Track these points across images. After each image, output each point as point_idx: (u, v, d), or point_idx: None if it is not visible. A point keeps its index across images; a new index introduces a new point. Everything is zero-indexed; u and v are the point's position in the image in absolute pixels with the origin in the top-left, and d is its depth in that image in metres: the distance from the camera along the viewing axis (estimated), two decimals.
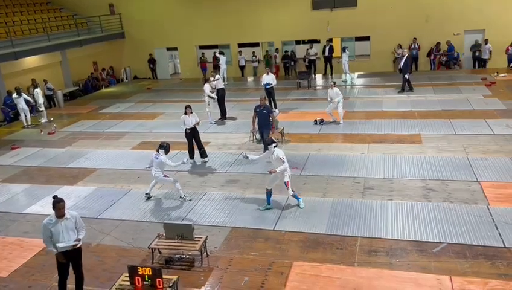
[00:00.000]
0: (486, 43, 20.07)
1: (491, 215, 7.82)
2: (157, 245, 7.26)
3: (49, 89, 20.19)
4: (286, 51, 23.20)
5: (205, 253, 7.24)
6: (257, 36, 23.75)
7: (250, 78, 23.62)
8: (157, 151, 9.19)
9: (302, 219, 8.26)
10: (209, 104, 14.90)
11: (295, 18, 22.32)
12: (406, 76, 16.72)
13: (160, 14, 24.34)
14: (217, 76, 15.36)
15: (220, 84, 15.31)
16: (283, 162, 8.27)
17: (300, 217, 8.34)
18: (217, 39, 24.28)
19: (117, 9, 25.39)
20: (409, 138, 12.11)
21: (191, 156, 11.52)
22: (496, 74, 18.62)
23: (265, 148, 8.51)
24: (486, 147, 10.98)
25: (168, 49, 26.13)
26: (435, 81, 18.15)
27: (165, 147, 9.21)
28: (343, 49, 20.27)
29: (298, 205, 8.67)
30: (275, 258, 7.13)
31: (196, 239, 7.17)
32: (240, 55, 23.63)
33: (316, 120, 13.99)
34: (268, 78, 15.51)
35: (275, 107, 15.92)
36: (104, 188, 10.47)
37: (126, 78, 26.05)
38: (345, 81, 19.65)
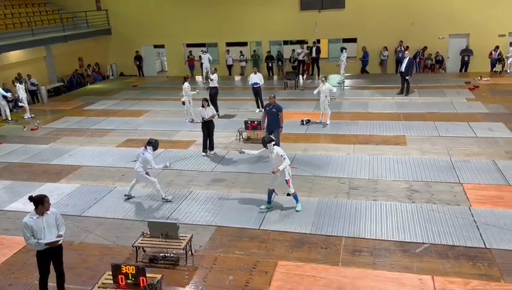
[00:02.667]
0: None
1: (473, 217, 7.95)
2: (142, 243, 7.19)
3: (32, 84, 19.85)
4: (269, 51, 23.21)
5: (190, 252, 7.21)
6: (245, 36, 23.74)
7: (237, 78, 23.60)
8: (145, 147, 9.04)
9: (288, 219, 8.28)
10: (190, 102, 14.86)
11: (283, 18, 22.37)
12: (407, 78, 16.84)
13: (147, 11, 24.14)
14: (215, 74, 15.42)
15: (214, 83, 15.31)
16: (284, 159, 8.18)
17: (285, 217, 8.36)
18: (204, 38, 24.21)
19: (104, 5, 25.10)
20: (393, 140, 12.24)
21: (204, 148, 11.75)
22: (479, 78, 18.95)
23: (265, 147, 8.44)
24: (469, 150, 11.16)
25: (155, 46, 25.94)
26: (420, 84, 18.38)
27: (153, 144, 9.07)
28: (342, 50, 20.40)
29: (295, 208, 8.54)
30: (259, 258, 7.13)
31: (181, 238, 7.13)
32: (228, 54, 23.60)
33: (302, 120, 14.04)
34: (256, 78, 15.52)
35: (262, 107, 15.92)
36: (87, 186, 10.34)
37: (112, 75, 25.79)
38: (340, 83, 19.81)
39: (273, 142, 8.39)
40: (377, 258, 6.95)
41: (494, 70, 20.34)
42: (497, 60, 20.25)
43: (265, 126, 11.48)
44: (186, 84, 14.82)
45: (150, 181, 9.21)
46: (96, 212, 9.04)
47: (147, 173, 9.18)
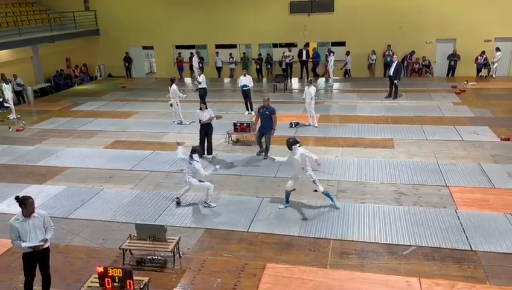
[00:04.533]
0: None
1: (459, 219, 8.05)
2: (129, 246, 7.13)
3: (18, 84, 19.54)
4: (260, 54, 23.25)
5: (178, 254, 7.16)
6: (234, 38, 23.74)
7: (227, 80, 23.58)
8: (191, 156, 8.71)
9: (276, 221, 8.28)
10: (177, 104, 14.81)
11: (273, 21, 22.44)
12: (396, 82, 17.00)
13: (137, 12, 24.01)
14: (201, 75, 15.39)
15: (202, 84, 15.31)
16: (309, 154, 8.32)
17: (274, 219, 8.36)
18: (194, 39, 24.18)
19: (92, 6, 24.91)
20: (381, 143, 12.34)
21: (203, 151, 11.53)
22: (465, 82, 19.21)
23: (290, 149, 8.44)
24: (455, 153, 11.30)
25: (144, 48, 25.80)
26: (408, 88, 18.56)
27: (198, 151, 8.82)
28: (329, 53, 20.45)
29: (333, 206, 8.60)
30: (248, 260, 7.12)
31: (169, 240, 7.08)
32: (217, 56, 23.58)
33: (291, 123, 14.07)
34: (245, 80, 15.53)
35: (251, 109, 15.95)
36: (74, 187, 10.22)
37: (100, 76, 25.57)
38: (331, 86, 19.88)
39: (298, 144, 8.39)
40: (365, 261, 6.98)
41: (480, 75, 20.64)
42: (483, 65, 20.55)
43: (256, 128, 11.45)
44: (173, 86, 14.78)
45: (205, 187, 8.86)
46: (82, 214, 8.94)
47: (199, 181, 8.83)
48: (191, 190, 9.19)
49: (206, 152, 11.66)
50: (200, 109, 11.54)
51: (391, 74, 17.10)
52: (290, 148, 8.43)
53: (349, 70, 22.02)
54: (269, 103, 11.40)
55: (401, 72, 17.94)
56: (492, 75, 20.46)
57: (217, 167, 9.02)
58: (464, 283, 6.34)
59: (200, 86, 15.39)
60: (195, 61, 21.63)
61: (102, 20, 24.88)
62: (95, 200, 9.55)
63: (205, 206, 8.95)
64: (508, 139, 11.98)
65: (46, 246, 5.96)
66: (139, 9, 24.00)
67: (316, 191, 8.68)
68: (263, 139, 11.48)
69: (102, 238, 7.96)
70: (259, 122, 11.37)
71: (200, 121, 11.53)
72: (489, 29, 20.33)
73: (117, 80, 24.42)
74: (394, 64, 17.03)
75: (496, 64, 20.26)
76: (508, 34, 20.34)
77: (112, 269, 5.95)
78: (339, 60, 21.75)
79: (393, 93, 17.21)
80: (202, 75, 15.53)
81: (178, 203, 9.11)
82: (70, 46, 24.30)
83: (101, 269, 5.96)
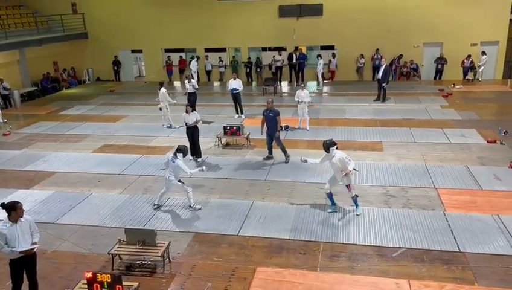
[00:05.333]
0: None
1: (447, 221, 8.12)
2: (118, 251, 7.06)
3: (5, 88, 19.30)
4: (249, 58, 23.29)
5: (167, 259, 7.11)
6: (224, 41, 23.76)
7: (216, 83, 23.57)
8: (175, 154, 8.76)
9: (267, 224, 8.28)
10: (167, 108, 14.76)
11: (262, 25, 22.51)
12: (384, 85, 17.14)
13: (125, 16, 23.91)
14: (193, 81, 15.35)
15: (191, 89, 15.26)
16: (349, 161, 8.08)
17: (264, 223, 8.35)
18: (183, 43, 24.17)
19: (80, 9, 24.74)
20: (370, 145, 12.42)
21: (191, 154, 11.55)
22: (452, 85, 19.46)
23: (327, 151, 8.24)
24: (443, 155, 11.42)
25: (133, 51, 25.68)
26: (396, 91, 18.72)
27: (183, 150, 8.82)
28: (318, 57, 20.55)
29: (355, 212, 8.52)
30: (238, 264, 7.10)
31: (158, 245, 7.03)
32: (207, 59, 23.56)
33: (281, 126, 14.06)
34: (235, 84, 15.54)
35: (241, 113, 15.96)
36: (62, 192, 10.10)
37: (88, 80, 25.39)
38: (320, 89, 19.99)
39: (335, 146, 8.22)
40: (355, 263, 7.01)
41: (466, 78, 20.92)
42: (469, 68, 20.85)
43: (263, 131, 11.43)
44: (162, 90, 14.73)
45: (184, 189, 8.90)
46: (71, 219, 8.83)
47: (179, 181, 8.89)
48: (170, 192, 9.17)
49: (194, 155, 11.63)
50: (186, 111, 11.51)
51: (379, 77, 17.24)
52: (327, 150, 8.18)
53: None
54: (273, 106, 11.40)
55: (389, 76, 18.10)
56: (478, 79, 20.74)
57: (204, 167, 8.98)
58: (453, 284, 6.40)
59: (189, 91, 15.36)
60: (194, 65, 21.58)
61: (90, 23, 24.72)
62: (83, 205, 9.45)
63: (191, 210, 8.93)
64: (494, 142, 12.14)
65: (34, 250, 5.89)
66: (128, 12, 23.90)
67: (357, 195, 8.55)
68: (273, 143, 11.45)
69: (91, 244, 7.88)
70: (265, 126, 11.34)
71: (186, 123, 11.49)
72: (475, 33, 20.67)
73: (105, 84, 24.26)
74: (382, 68, 17.18)
75: (481, 68, 20.56)
76: (493, 38, 20.71)
77: (100, 274, 5.88)
78: (326, 64, 21.88)
79: (381, 97, 17.34)
80: (193, 80, 15.48)
81: (158, 207, 9.13)
82: (58, 50, 24.09)
83: (89, 275, 5.89)
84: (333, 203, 8.69)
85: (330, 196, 8.65)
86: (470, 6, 20.30)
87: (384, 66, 17.26)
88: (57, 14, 23.42)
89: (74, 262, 7.34)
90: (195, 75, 21.57)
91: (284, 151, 11.31)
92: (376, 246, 7.44)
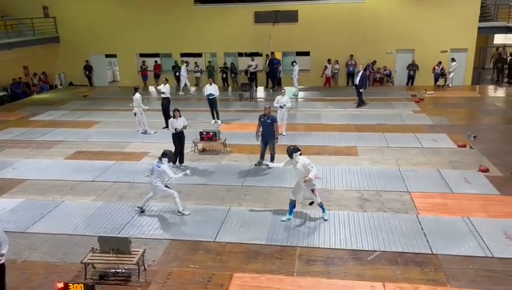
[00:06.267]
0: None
1: (420, 224, 8.29)
2: (91, 260, 6.90)
3: None
4: (225, 63, 23.28)
5: (143, 267, 6.99)
6: (200, 47, 23.67)
7: (192, 88, 23.43)
8: (160, 159, 8.69)
9: (243, 230, 8.26)
10: (141, 113, 14.61)
11: (238, 30, 22.55)
12: (361, 90, 17.36)
13: (98, 20, 23.52)
14: (166, 85, 15.16)
15: (166, 95, 15.09)
16: (312, 167, 8.06)
17: (241, 228, 8.33)
18: (158, 48, 23.96)
19: (52, 12, 24.21)
20: (345, 150, 12.59)
21: (178, 160, 11.50)
22: (424, 91, 19.96)
23: (290, 157, 8.26)
24: (415, 160, 11.68)
25: (107, 56, 25.30)
26: (370, 96, 19.05)
27: (168, 155, 8.75)
28: (292, 63, 20.71)
29: (323, 217, 8.52)
30: (215, 270, 7.05)
31: (133, 252, 6.91)
32: (183, 64, 23.40)
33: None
34: (211, 89, 15.49)
35: (218, 118, 15.91)
36: (33, 200, 9.81)
37: (60, 85, 24.85)
38: (296, 95, 20.16)
39: (299, 152, 8.22)
40: (331, 267, 7.07)
41: (437, 84, 21.49)
42: (440, 74, 21.42)
43: (258, 137, 11.39)
44: (137, 95, 14.56)
45: (169, 193, 8.81)
46: (42, 228, 8.59)
47: (166, 186, 8.81)
48: (155, 198, 9.04)
49: (179, 161, 11.59)
50: (174, 117, 11.40)
51: (357, 82, 17.52)
52: (290, 156, 8.23)
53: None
54: (270, 111, 11.38)
55: (366, 82, 18.41)
56: (448, 85, 21.34)
57: (188, 172, 8.96)
58: (426, 286, 6.52)
59: (162, 96, 15.18)
60: (184, 70, 21.36)
61: (62, 27, 24.22)
62: (55, 213, 9.21)
63: (178, 215, 8.84)
64: (464, 146, 12.50)
65: (1, 262, 5.69)
66: (101, 16, 23.52)
67: (311, 203, 8.59)
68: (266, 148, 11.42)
69: (63, 253, 7.67)
70: (260, 131, 11.31)
71: (175, 129, 11.36)
72: (445, 40, 21.29)
73: (78, 89, 23.78)
74: (360, 74, 17.47)
75: (451, 74, 21.16)
76: (462, 46, 21.37)
77: (73, 284, 5.76)
78: (302, 70, 22.03)
79: (357, 102, 17.61)
80: (167, 85, 15.29)
81: (142, 211, 9.01)
82: (29, 54, 23.43)
83: (61, 285, 5.75)
84: (290, 213, 8.59)
85: (292, 205, 8.58)
86: (441, 15, 20.92)
87: (361, 72, 17.56)
88: (27, 18, 22.80)
89: (45, 272, 7.13)
90: (185, 80, 21.40)
91: (273, 158, 11.30)
92: (351, 250, 7.52)
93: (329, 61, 22.02)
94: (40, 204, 9.59)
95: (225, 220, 8.64)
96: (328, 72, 22.23)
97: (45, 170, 11.68)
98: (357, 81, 17.53)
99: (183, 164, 11.64)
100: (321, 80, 22.53)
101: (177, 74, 22.38)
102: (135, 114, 14.73)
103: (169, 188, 8.89)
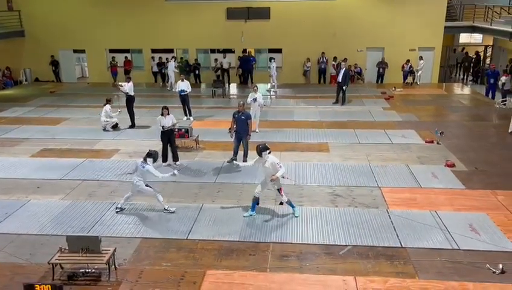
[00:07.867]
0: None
1: (390, 218, 8.48)
2: (59, 260, 6.71)
3: None
4: (196, 59, 23.03)
5: (113, 266, 6.86)
6: (171, 43, 23.37)
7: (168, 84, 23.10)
8: (145, 159, 8.47)
9: (216, 227, 8.22)
10: (106, 122, 14.35)
11: (210, 27, 22.38)
12: (344, 88, 17.48)
13: (66, 14, 22.86)
14: (129, 83, 14.76)
15: (131, 91, 14.74)
16: (280, 167, 8.10)
17: (214, 225, 8.29)
18: (129, 43, 23.53)
19: (16, 6, 23.35)
20: (317, 147, 12.71)
21: (165, 159, 11.22)
22: (393, 88, 20.40)
23: (260, 155, 8.27)
24: (385, 155, 11.92)
25: (75, 51, 24.63)
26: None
27: (153, 156, 8.54)
28: (270, 60, 20.68)
29: (293, 214, 8.52)
30: (187, 268, 6.99)
31: (103, 251, 6.76)
32: (153, 61, 23.06)
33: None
34: (183, 85, 15.31)
35: (190, 115, 15.76)
36: None
37: (26, 80, 24.02)
38: (276, 92, 20.18)
39: (268, 151, 8.23)
40: (304, 262, 7.13)
41: (406, 82, 22.02)
42: (409, 72, 21.96)
43: (232, 134, 11.29)
44: (107, 107, 14.22)
45: (152, 193, 8.62)
46: (6, 228, 8.28)
47: (147, 185, 8.61)
48: (133, 197, 8.87)
49: (172, 159, 11.39)
50: (162, 114, 11.15)
51: (339, 80, 17.64)
52: (260, 154, 8.27)
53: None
54: (244, 108, 11.32)
55: (349, 79, 18.58)
56: (417, 82, 21.90)
57: (175, 172, 8.78)
58: (396, 279, 6.67)
59: (130, 93, 14.73)
60: (172, 65, 20.82)
61: (27, 21, 23.39)
62: (20, 212, 8.90)
63: (165, 213, 8.73)
64: (432, 142, 12.85)
65: None
66: (69, 10, 22.85)
67: (281, 203, 8.69)
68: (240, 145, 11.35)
69: (29, 253, 7.43)
70: (234, 127, 11.22)
71: (163, 127, 11.11)
72: (413, 39, 21.85)
73: (45, 85, 23.04)
74: (342, 71, 17.61)
75: (419, 72, 21.74)
76: (429, 44, 21.98)
77: (39, 285, 5.58)
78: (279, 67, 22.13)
79: (340, 100, 17.74)
80: (131, 82, 14.85)
81: (121, 209, 8.84)
82: None
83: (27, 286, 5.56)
84: (253, 209, 8.62)
85: (255, 202, 8.61)
86: (409, 14, 21.45)
87: (343, 69, 17.68)
88: None
89: (10, 273, 6.89)
90: (173, 76, 20.74)
91: (246, 155, 11.27)
92: (324, 245, 7.61)
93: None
94: (4, 204, 9.25)
95: (198, 218, 8.57)
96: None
97: (9, 168, 11.27)
98: (339, 78, 17.69)
99: (177, 162, 11.41)
100: (296, 77, 22.57)
101: (163, 70, 21.96)
102: (120, 112, 14.39)
103: (150, 187, 8.70)
